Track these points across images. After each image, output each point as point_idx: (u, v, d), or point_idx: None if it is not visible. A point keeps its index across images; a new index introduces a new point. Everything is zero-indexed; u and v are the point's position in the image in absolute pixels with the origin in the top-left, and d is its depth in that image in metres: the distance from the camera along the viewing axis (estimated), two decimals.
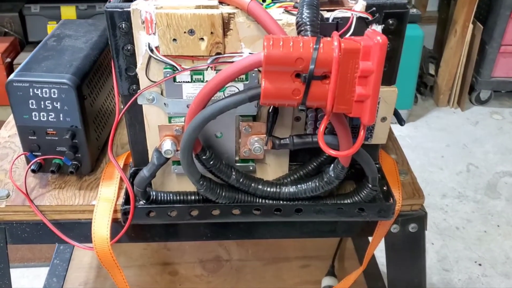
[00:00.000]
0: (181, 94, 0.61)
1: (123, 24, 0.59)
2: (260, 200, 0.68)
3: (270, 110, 0.63)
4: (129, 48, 0.61)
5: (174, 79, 0.61)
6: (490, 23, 2.27)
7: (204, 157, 0.63)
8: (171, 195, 0.69)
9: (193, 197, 0.70)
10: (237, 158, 0.68)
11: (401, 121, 0.86)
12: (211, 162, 0.64)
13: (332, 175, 0.64)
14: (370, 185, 0.67)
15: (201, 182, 0.64)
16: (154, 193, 0.69)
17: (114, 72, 0.63)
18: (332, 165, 0.65)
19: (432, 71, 2.51)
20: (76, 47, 0.74)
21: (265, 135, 0.65)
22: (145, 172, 0.65)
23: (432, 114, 2.42)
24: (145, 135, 0.67)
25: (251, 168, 0.69)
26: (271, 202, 0.68)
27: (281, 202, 0.68)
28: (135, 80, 0.63)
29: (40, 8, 2.00)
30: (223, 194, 0.66)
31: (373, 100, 0.53)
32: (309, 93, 0.53)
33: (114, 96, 0.82)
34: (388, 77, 0.65)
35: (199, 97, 0.56)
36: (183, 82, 0.61)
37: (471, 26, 2.24)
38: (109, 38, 0.60)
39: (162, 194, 0.69)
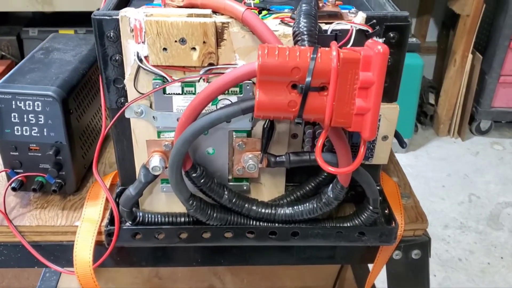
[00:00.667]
0: (171, 107, 0.58)
1: (111, 33, 0.56)
2: (254, 222, 0.64)
3: (265, 126, 0.59)
4: (117, 58, 0.58)
5: (164, 91, 0.57)
6: (489, 53, 2.26)
7: (194, 175, 0.59)
8: (159, 216, 0.65)
9: (183, 219, 0.65)
10: (230, 177, 0.64)
11: (402, 143, 0.82)
12: (202, 180, 0.60)
13: (331, 196, 0.61)
14: (371, 207, 0.63)
15: (190, 202, 0.60)
16: (141, 214, 0.65)
17: (102, 84, 0.60)
18: (331, 185, 0.61)
19: (432, 101, 2.49)
20: (64, 60, 0.71)
21: (260, 152, 0.61)
22: (131, 190, 0.61)
23: (432, 144, 2.40)
24: (133, 151, 0.63)
25: (245, 187, 0.65)
26: (266, 224, 0.64)
27: (277, 224, 0.64)
28: (123, 93, 0.60)
29: (38, 32, 1.99)
30: (215, 215, 0.62)
31: (374, 113, 0.49)
32: (306, 105, 0.49)
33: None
34: (389, 93, 0.62)
35: (189, 109, 0.53)
36: (173, 94, 0.57)
37: (470, 56, 2.24)
38: (96, 47, 0.57)
39: (149, 215, 0.65)
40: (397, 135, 0.85)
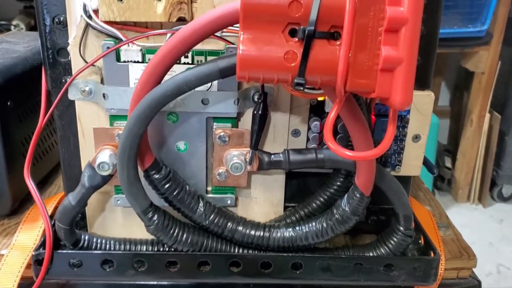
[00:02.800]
0: (126, 80, 0.43)
1: None
2: (241, 249, 0.47)
3: (255, 111, 0.44)
4: (61, 19, 0.44)
5: (118, 58, 0.42)
6: (508, 112, 2.13)
7: (157, 176, 0.43)
8: (111, 242, 0.48)
9: (144, 247, 0.48)
10: (209, 186, 0.48)
11: (432, 169, 0.66)
12: (168, 185, 0.43)
13: (347, 209, 0.43)
14: (401, 228, 0.45)
15: (149, 215, 0.43)
16: (86, 237, 0.47)
17: (42, 57, 0.45)
18: (346, 195, 0.44)
19: (449, 164, 2.33)
20: (11, 50, 0.57)
21: (248, 149, 0.45)
22: (70, 199, 0.44)
23: (451, 210, 2.20)
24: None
25: (228, 201, 0.48)
26: (256, 252, 0.46)
27: (272, 253, 0.46)
28: (69, 70, 0.45)
29: None
30: (185, 236, 0.44)
31: (408, 66, 0.34)
32: (309, 58, 0.34)
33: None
34: (421, 76, 0.47)
35: (146, 71, 0.38)
36: (131, 62, 0.42)
37: (487, 115, 2.10)
38: (35, 6, 0.44)
39: (98, 240, 0.48)
40: (425, 160, 0.68)
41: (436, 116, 2.05)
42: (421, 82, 0.47)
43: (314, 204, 0.48)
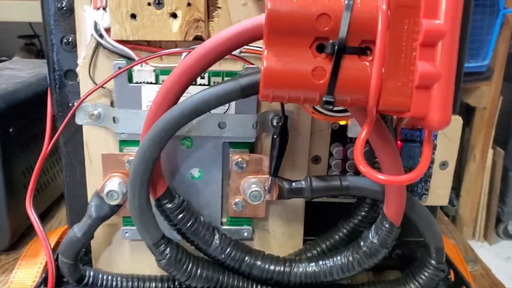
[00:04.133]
0: (139, 102, 0.40)
1: (63, 1, 0.40)
2: (259, 285, 0.43)
3: (275, 134, 0.41)
4: (70, 39, 0.41)
5: (130, 79, 0.40)
6: (511, 148, 2.11)
7: (169, 206, 0.40)
8: (119, 279, 0.44)
9: (153, 284, 0.44)
10: (224, 220, 0.44)
11: (452, 200, 0.63)
12: (181, 216, 0.40)
13: (376, 241, 0.40)
14: (433, 262, 0.42)
15: (162, 248, 0.39)
16: (91, 273, 0.44)
17: (49, 80, 0.43)
18: (374, 225, 0.41)
19: (453, 201, 2.29)
20: (15, 76, 0.55)
21: (267, 176, 0.42)
22: (75, 230, 0.41)
23: None
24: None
25: (245, 233, 0.44)
26: None
27: None
28: (76, 93, 0.42)
29: None
30: (199, 272, 0.41)
31: (446, 82, 0.31)
32: (339, 74, 0.32)
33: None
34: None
35: (162, 91, 0.35)
36: (143, 83, 0.40)
37: (491, 151, 2.09)
38: (43, 25, 0.42)
39: (104, 276, 0.44)
40: None
41: None
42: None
43: (336, 237, 0.45)
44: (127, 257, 0.46)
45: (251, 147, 0.42)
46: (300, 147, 0.44)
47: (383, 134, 0.36)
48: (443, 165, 0.45)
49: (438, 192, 0.46)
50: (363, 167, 0.33)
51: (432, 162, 0.45)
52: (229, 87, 0.34)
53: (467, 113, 2.29)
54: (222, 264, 0.42)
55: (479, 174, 2.14)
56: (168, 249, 0.40)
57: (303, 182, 0.42)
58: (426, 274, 0.42)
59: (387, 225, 0.40)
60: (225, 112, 0.40)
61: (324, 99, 0.32)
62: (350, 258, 0.41)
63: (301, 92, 0.33)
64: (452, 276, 0.46)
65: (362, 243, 0.41)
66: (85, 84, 0.41)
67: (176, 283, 0.44)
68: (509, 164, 2.15)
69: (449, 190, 0.46)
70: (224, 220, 0.44)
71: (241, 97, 0.35)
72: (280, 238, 0.46)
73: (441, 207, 2.11)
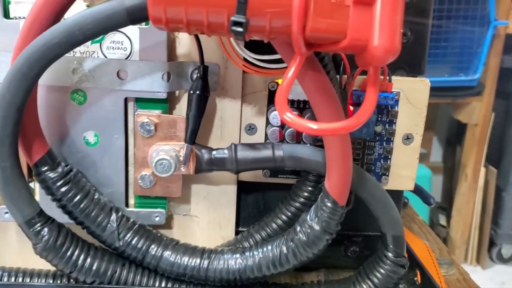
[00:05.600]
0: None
1: None
2: (169, 283, 0.34)
3: (192, 90, 0.32)
4: None
5: (6, 13, 0.32)
6: (503, 167, 2.03)
7: (50, 174, 0.31)
8: (0, 273, 0.35)
9: (43, 280, 0.35)
10: (132, 201, 0.35)
11: (428, 199, 0.55)
12: (65, 189, 0.31)
13: (316, 225, 0.31)
14: (390, 254, 0.33)
15: (36, 228, 0.30)
16: None
17: None
18: (314, 206, 0.32)
19: (443, 222, 2.20)
20: None
21: (183, 143, 0.33)
22: None
23: None
24: None
25: (157, 218, 0.35)
26: (189, 287, 0.34)
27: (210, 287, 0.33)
28: None
29: None
30: (88, 262, 0.32)
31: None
32: None
33: None
34: (413, 59, 0.36)
35: (32, 11, 0.27)
36: (23, 18, 0.32)
37: (483, 169, 2.00)
38: None
39: None
40: (419, 190, 0.57)
41: (429, 169, 1.96)
42: (414, 66, 0.37)
43: (274, 225, 0.36)
44: (13, 247, 0.36)
45: (164, 107, 0.34)
46: (229, 112, 0.35)
47: (319, 78, 0.28)
48: (407, 139, 0.37)
49: (402, 173, 0.37)
50: (287, 114, 0.24)
51: (392, 133, 0.36)
52: (111, 7, 0.26)
53: (458, 130, 2.22)
54: (122, 254, 0.33)
55: (471, 194, 2.06)
56: (45, 229, 0.31)
57: (226, 151, 0.33)
58: (381, 270, 0.33)
59: (329, 204, 0.31)
60: (126, 58, 0.32)
61: (232, 19, 0.24)
62: (284, 248, 0.32)
63: (202, 11, 0.24)
64: (418, 278, 0.37)
65: (298, 229, 0.32)
66: None
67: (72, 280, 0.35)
68: (502, 183, 2.06)
69: (415, 171, 0.38)
70: (132, 202, 0.35)
71: (128, 23, 0.26)
72: (206, 227, 0.37)
73: (431, 227, 2.01)
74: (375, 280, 0.33)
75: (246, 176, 0.37)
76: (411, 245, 0.44)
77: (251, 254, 0.33)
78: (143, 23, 0.31)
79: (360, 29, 0.24)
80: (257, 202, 0.39)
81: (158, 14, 0.25)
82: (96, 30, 0.26)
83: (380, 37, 0.23)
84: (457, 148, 2.34)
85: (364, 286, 0.33)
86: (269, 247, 0.33)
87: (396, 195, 0.39)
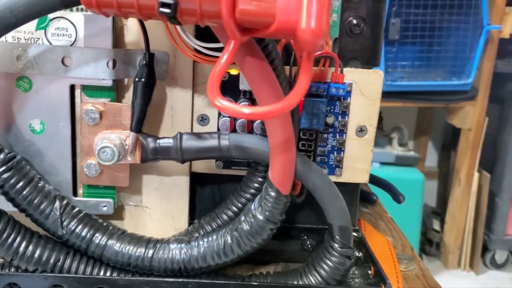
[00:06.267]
0: None
1: None
2: (115, 272, 0.33)
3: (137, 77, 0.32)
4: None
5: None
6: (497, 172, 2.02)
7: None
8: None
9: None
10: (80, 191, 0.35)
11: (398, 196, 0.54)
12: (7, 175, 0.31)
13: (259, 215, 0.31)
14: (336, 245, 0.32)
15: None
16: None
17: None
18: (258, 196, 0.32)
19: (437, 227, 2.19)
20: None
21: (128, 132, 0.33)
22: None
23: (441, 278, 2.03)
24: None
25: (104, 208, 0.35)
26: (134, 276, 0.33)
27: (156, 277, 0.33)
28: None
29: None
30: (30, 249, 0.31)
31: None
32: None
33: None
34: (367, 51, 0.36)
35: None
36: None
37: (476, 174, 2.00)
38: None
39: None
40: (389, 187, 0.57)
41: (422, 174, 1.96)
42: (368, 57, 0.36)
43: (224, 216, 0.35)
44: None
45: (111, 95, 0.33)
46: (180, 101, 0.35)
47: (258, 65, 0.28)
48: (361, 131, 0.36)
49: (355, 166, 0.37)
50: (218, 100, 0.24)
51: (345, 125, 0.36)
52: None
53: (453, 135, 2.22)
54: (66, 243, 0.33)
55: (464, 199, 2.05)
56: None
57: (171, 140, 0.33)
58: (328, 262, 0.33)
59: (272, 193, 0.31)
60: (71, 45, 0.32)
61: (161, 0, 0.24)
62: (228, 238, 0.32)
63: None
64: (372, 271, 0.37)
65: (242, 218, 0.32)
66: None
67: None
68: (495, 188, 2.06)
69: (369, 164, 0.37)
70: (81, 191, 0.35)
71: (61, 6, 0.26)
72: (158, 218, 0.37)
73: (424, 233, 1.99)
74: (322, 272, 0.33)
75: (199, 167, 0.37)
76: (372, 240, 0.44)
77: (196, 244, 0.33)
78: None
79: (288, 12, 0.24)
80: (213, 195, 0.39)
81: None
82: (29, 12, 0.26)
83: (307, 20, 0.23)
84: (451, 153, 2.33)
85: (311, 277, 0.33)
86: (214, 237, 0.32)
87: (352, 188, 0.39)
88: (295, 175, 0.32)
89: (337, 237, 0.32)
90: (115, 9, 0.25)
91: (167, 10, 0.24)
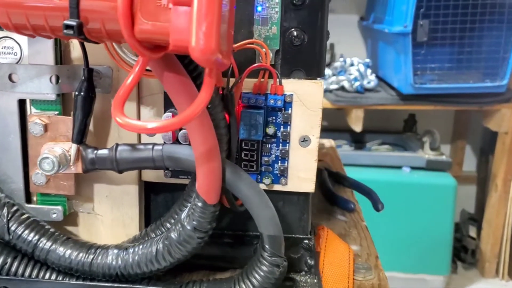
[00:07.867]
0: None
1: None
2: (60, 276, 0.35)
3: (77, 91, 0.34)
4: None
5: None
6: None
7: None
8: None
9: None
10: (34, 198, 0.37)
11: (377, 204, 0.54)
12: None
13: (187, 224, 0.32)
14: (266, 254, 0.33)
15: None
16: None
17: None
18: (188, 207, 0.33)
19: (473, 234, 2.12)
20: None
21: (71, 143, 0.35)
22: None
23: (478, 287, 1.96)
24: None
25: (54, 215, 0.37)
26: (71, 280, 0.35)
27: (94, 282, 0.35)
28: None
29: None
30: None
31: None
32: None
33: None
34: (308, 62, 0.36)
35: None
36: None
37: None
38: None
39: None
40: (369, 194, 0.57)
41: (455, 179, 1.90)
42: (311, 68, 0.37)
43: (168, 224, 0.37)
44: None
45: (58, 109, 0.35)
46: (126, 114, 0.36)
47: (176, 80, 0.29)
48: (304, 141, 0.37)
49: (300, 175, 0.37)
50: (119, 116, 0.26)
51: (287, 136, 0.36)
52: None
53: (490, 140, 2.14)
54: (15, 247, 0.35)
55: (501, 205, 1.97)
56: None
57: (106, 151, 0.34)
58: (259, 271, 0.33)
59: (199, 204, 0.32)
60: (17, 63, 0.34)
61: (64, 22, 0.26)
62: (160, 246, 0.33)
63: (41, 15, 0.26)
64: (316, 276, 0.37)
65: (173, 227, 0.33)
66: None
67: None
68: None
69: (314, 173, 0.37)
70: (35, 198, 0.37)
71: None
72: (110, 225, 0.39)
73: (459, 240, 1.92)
74: (254, 280, 0.33)
75: (148, 176, 0.38)
76: (332, 248, 0.44)
77: (132, 251, 0.34)
78: None
79: (180, 32, 0.25)
80: (166, 202, 0.40)
81: (4, 20, 0.27)
82: None
83: (196, 38, 0.24)
84: (490, 157, 2.25)
85: (243, 286, 0.34)
86: (148, 244, 0.34)
87: (303, 197, 0.39)
88: (225, 184, 0.32)
89: (267, 246, 0.33)
90: (31, 30, 0.27)
91: (70, 32, 0.26)
